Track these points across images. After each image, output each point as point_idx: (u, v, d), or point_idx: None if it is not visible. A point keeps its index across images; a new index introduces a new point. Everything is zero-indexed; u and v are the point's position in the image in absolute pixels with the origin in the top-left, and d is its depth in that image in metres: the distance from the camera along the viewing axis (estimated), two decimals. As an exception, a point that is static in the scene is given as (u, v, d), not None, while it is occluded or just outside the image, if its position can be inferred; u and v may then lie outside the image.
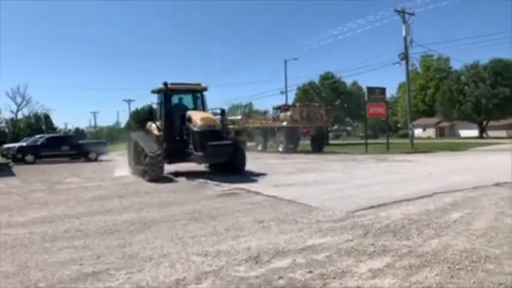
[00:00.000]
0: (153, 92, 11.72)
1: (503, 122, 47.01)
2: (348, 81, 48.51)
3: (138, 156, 10.89)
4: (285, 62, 41.56)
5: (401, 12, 23.70)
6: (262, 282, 3.02)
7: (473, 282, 2.92)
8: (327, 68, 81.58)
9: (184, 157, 10.66)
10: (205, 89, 11.92)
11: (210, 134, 10.03)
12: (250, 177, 9.90)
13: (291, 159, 17.47)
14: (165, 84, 10.95)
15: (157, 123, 11.30)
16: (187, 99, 11.91)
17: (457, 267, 3.24)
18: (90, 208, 6.38)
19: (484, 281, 2.93)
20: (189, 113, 10.79)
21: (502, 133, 47.20)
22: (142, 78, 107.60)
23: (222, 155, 10.16)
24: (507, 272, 3.10)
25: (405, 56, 23.87)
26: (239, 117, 31.27)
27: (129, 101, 70.07)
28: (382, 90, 22.45)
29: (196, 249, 3.87)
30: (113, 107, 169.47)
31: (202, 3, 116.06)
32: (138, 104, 76.97)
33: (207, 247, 3.95)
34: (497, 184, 7.52)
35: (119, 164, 13.62)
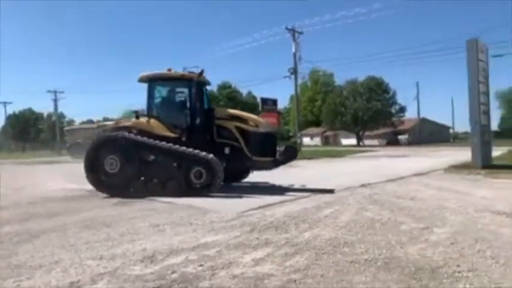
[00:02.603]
0: (170, 79, 9.18)
1: (376, 132, 54.10)
2: (244, 91, 50.68)
3: (145, 167, 8.16)
4: (184, 69, 41.58)
5: (292, 31, 25.87)
6: (157, 277, 3.30)
7: (332, 262, 3.63)
8: (225, 77, 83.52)
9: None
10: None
11: (275, 136, 9.09)
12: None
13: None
14: (202, 71, 8.95)
15: (156, 121, 8.76)
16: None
17: (321, 252, 3.95)
18: (-39, 222, 5.78)
19: (340, 261, 3.66)
20: (232, 111, 9.32)
21: (375, 142, 54.23)
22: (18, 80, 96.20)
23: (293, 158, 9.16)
24: (358, 253, 3.90)
25: (294, 71, 26.04)
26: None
27: (5, 104, 62.27)
28: (274, 102, 24.16)
29: (91, 254, 3.95)
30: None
31: (87, 2, 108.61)
32: (15, 107, 68.99)
33: (101, 251, 4.04)
34: (362, 185, 8.90)
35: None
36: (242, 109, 43.93)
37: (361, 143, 53.44)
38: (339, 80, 63.16)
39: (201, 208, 6.48)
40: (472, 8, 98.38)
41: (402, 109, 53.61)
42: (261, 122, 8.94)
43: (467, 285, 3.02)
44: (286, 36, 27.32)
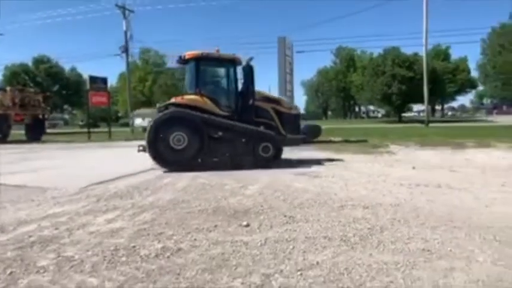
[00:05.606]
0: (222, 60, 9.38)
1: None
2: (67, 67, 45.72)
3: (213, 143, 8.68)
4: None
5: (122, 8, 24.99)
6: (15, 242, 3.62)
7: (174, 214, 4.59)
8: (43, 50, 72.80)
9: None
10: None
11: (300, 117, 10.35)
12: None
13: (4, 150, 15.68)
14: (252, 58, 9.30)
15: (208, 99, 8.94)
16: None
17: (164, 209, 4.86)
18: None
19: (180, 213, 4.66)
20: (266, 94, 10.03)
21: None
22: None
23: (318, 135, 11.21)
24: (193, 206, 4.97)
25: (126, 49, 25.39)
26: None
27: None
28: (104, 80, 23.14)
29: None
30: None
31: None
32: None
33: None
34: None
35: None
36: (65, 86, 39.98)
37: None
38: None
39: (37, 187, 6.46)
40: (288, 9, 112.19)
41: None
42: (292, 105, 10.38)
43: (266, 216, 4.45)
44: (116, 12, 26.24)
